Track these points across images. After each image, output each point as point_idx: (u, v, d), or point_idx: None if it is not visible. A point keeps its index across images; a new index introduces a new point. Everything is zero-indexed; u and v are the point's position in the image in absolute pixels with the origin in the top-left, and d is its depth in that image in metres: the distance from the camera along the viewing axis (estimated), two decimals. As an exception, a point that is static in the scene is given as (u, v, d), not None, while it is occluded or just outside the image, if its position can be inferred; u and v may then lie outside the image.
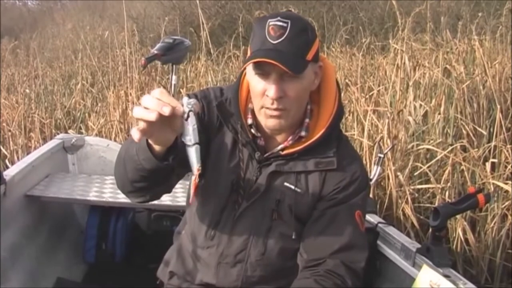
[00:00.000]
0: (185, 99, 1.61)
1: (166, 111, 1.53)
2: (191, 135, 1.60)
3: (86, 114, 7.17)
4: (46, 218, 3.64)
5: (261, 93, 1.95)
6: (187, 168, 2.00)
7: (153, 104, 1.55)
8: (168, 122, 1.59)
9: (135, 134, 1.58)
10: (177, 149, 1.71)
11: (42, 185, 3.58)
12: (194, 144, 1.61)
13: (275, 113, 1.96)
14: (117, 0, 15.88)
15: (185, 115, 1.58)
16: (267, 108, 1.96)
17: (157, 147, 1.69)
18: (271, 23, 1.91)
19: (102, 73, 8.46)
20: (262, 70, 1.92)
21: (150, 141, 1.69)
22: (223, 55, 8.53)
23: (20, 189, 3.36)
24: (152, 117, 1.54)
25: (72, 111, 7.46)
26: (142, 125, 1.57)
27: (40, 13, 23.45)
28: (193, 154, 1.61)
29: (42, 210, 3.59)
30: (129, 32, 7.81)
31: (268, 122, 2.00)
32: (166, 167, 1.72)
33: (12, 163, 5.63)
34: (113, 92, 6.98)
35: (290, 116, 2.00)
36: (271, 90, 1.91)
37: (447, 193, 4.12)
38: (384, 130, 4.63)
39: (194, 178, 1.64)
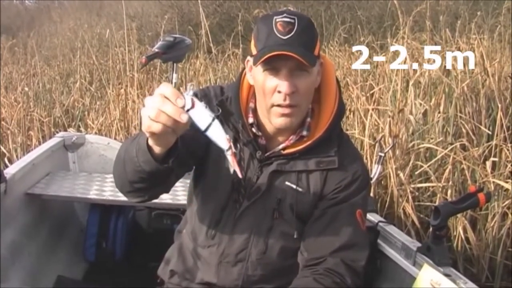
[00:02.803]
0: (185, 93, 1.60)
1: (184, 119, 1.55)
2: (205, 115, 1.58)
3: (86, 113, 7.16)
4: (47, 216, 3.63)
5: (272, 90, 1.95)
6: (186, 169, 2.01)
7: (170, 111, 1.55)
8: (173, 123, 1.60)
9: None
10: (177, 151, 1.72)
11: (42, 183, 3.57)
12: (213, 120, 1.58)
13: (287, 110, 1.96)
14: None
15: (190, 105, 1.57)
16: (278, 105, 1.96)
17: (157, 149, 1.69)
18: (278, 20, 1.92)
19: (101, 71, 8.46)
20: (272, 66, 1.92)
21: (150, 143, 1.69)
22: (222, 53, 8.52)
23: (21, 187, 3.35)
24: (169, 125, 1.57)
25: (71, 110, 7.44)
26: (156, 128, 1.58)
27: (37, 11, 23.37)
28: (216, 130, 1.58)
29: (43, 209, 3.58)
30: (129, 30, 7.79)
31: (279, 120, 2.00)
32: (166, 169, 1.73)
33: (11, 161, 5.62)
34: (113, 91, 6.97)
35: (300, 113, 2.01)
36: (284, 85, 1.92)
37: (448, 192, 4.12)
38: (385, 129, 4.63)
39: (230, 150, 1.60)
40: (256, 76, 2.01)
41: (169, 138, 1.65)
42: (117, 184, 2.02)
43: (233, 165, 1.63)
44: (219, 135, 1.59)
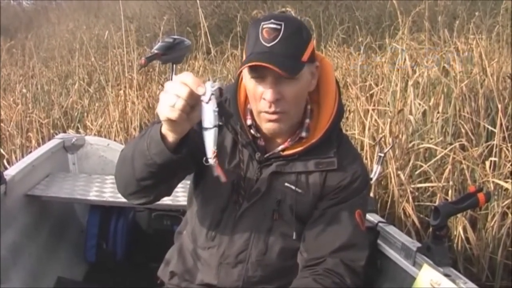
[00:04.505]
0: (209, 83, 1.63)
1: (200, 91, 1.62)
2: (211, 118, 1.63)
3: (84, 114, 7.17)
4: (47, 217, 3.64)
5: (259, 97, 1.95)
6: (188, 171, 2.01)
7: (185, 86, 1.62)
8: (190, 110, 1.65)
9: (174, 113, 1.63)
10: (189, 140, 1.74)
11: (42, 185, 3.58)
12: (214, 127, 1.63)
13: (274, 117, 1.96)
14: (112, 0, 15.89)
15: (207, 98, 1.61)
16: (265, 112, 1.96)
17: (171, 137, 1.71)
18: (264, 26, 1.91)
19: (99, 72, 8.46)
20: (257, 73, 1.92)
21: (164, 131, 1.71)
22: (221, 54, 8.52)
23: (21, 189, 3.35)
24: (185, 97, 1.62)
25: (70, 111, 7.45)
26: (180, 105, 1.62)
27: (35, 13, 23.36)
28: (211, 137, 1.64)
29: (43, 210, 3.58)
30: (128, 31, 7.79)
31: (267, 126, 2.00)
32: (178, 160, 1.74)
33: (10, 163, 5.63)
34: (112, 92, 6.98)
35: (289, 119, 2.01)
36: (268, 93, 1.92)
37: (449, 192, 4.13)
38: (386, 129, 4.64)
39: (213, 161, 1.67)
40: (246, 81, 2.01)
41: (185, 125, 1.68)
42: (120, 186, 2.02)
43: (216, 171, 1.72)
44: (209, 143, 1.65)
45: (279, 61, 1.86)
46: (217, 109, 1.62)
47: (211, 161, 1.67)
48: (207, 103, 1.62)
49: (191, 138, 1.74)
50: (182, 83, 1.62)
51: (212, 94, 1.62)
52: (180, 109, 1.61)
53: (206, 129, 1.64)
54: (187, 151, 1.75)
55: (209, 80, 1.65)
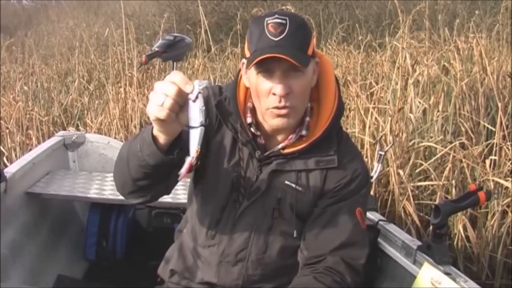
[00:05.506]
0: (197, 82, 1.63)
1: (188, 89, 1.61)
2: (197, 116, 1.62)
3: (84, 112, 7.16)
4: (47, 215, 3.63)
5: (267, 93, 1.94)
6: None
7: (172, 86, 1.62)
8: (180, 110, 1.63)
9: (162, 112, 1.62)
10: (181, 142, 1.73)
11: (42, 182, 3.57)
12: (200, 126, 1.62)
13: (283, 111, 1.95)
14: None
15: (194, 96, 1.61)
16: (275, 107, 1.95)
17: (162, 139, 1.71)
18: (269, 21, 1.91)
19: (99, 70, 8.46)
20: (265, 68, 1.91)
21: (155, 133, 1.71)
22: (221, 52, 8.52)
23: (21, 186, 3.35)
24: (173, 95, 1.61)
25: (69, 109, 7.45)
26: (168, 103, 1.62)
27: (34, 10, 23.40)
28: (196, 135, 1.63)
29: (43, 208, 3.58)
30: (128, 29, 7.79)
31: (275, 121, 1.99)
32: (171, 161, 1.73)
33: (10, 160, 5.63)
34: (112, 90, 6.97)
35: (296, 114, 2.00)
36: (278, 87, 1.91)
37: (453, 191, 4.13)
38: (386, 128, 4.64)
39: (191, 158, 1.64)
40: (251, 79, 2.00)
41: (175, 126, 1.67)
42: (118, 185, 2.02)
43: (183, 169, 1.67)
44: (194, 141, 1.63)
45: (291, 52, 1.87)
46: (203, 108, 1.62)
47: (191, 157, 1.65)
48: (194, 101, 1.61)
49: (183, 139, 1.73)
50: (171, 82, 1.62)
51: (200, 92, 1.61)
52: (168, 108, 1.60)
53: (193, 127, 1.63)
54: (180, 152, 1.73)
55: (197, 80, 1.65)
